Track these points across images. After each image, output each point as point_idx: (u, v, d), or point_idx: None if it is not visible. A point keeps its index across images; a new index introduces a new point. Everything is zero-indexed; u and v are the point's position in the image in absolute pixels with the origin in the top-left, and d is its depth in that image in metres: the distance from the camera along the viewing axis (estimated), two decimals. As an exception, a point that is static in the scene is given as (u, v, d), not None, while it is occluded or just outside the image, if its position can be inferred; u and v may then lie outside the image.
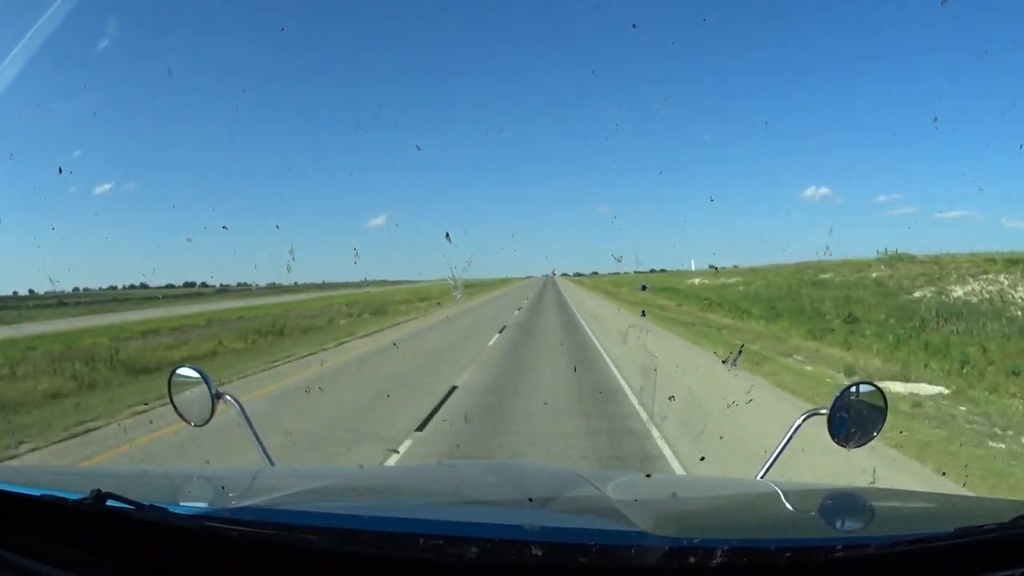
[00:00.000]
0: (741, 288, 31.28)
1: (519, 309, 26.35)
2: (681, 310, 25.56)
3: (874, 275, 24.67)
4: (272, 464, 1.75)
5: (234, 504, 1.19)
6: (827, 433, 1.66)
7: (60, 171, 16.31)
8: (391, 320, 22.82)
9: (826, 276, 27.04)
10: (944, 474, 5.27)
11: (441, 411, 7.71)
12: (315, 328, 20.69)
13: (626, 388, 9.04)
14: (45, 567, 0.97)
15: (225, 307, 28.86)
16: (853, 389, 1.69)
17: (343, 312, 25.28)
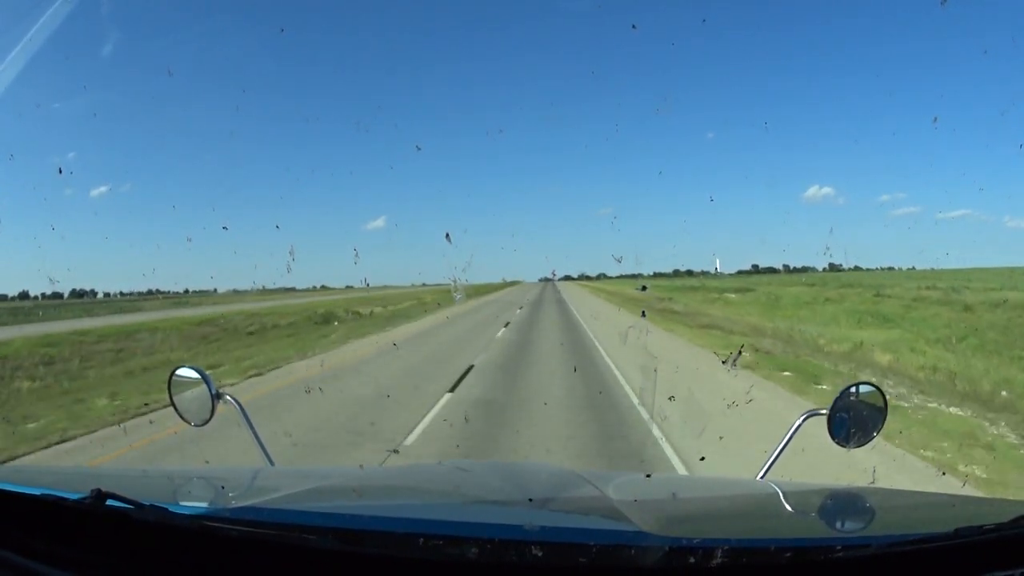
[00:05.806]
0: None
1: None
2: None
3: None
4: (272, 464, 1.75)
5: (234, 504, 1.19)
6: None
7: (60, 171, 16.29)
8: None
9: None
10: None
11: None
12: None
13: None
14: (45, 567, 0.96)
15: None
16: (853, 389, 1.69)
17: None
